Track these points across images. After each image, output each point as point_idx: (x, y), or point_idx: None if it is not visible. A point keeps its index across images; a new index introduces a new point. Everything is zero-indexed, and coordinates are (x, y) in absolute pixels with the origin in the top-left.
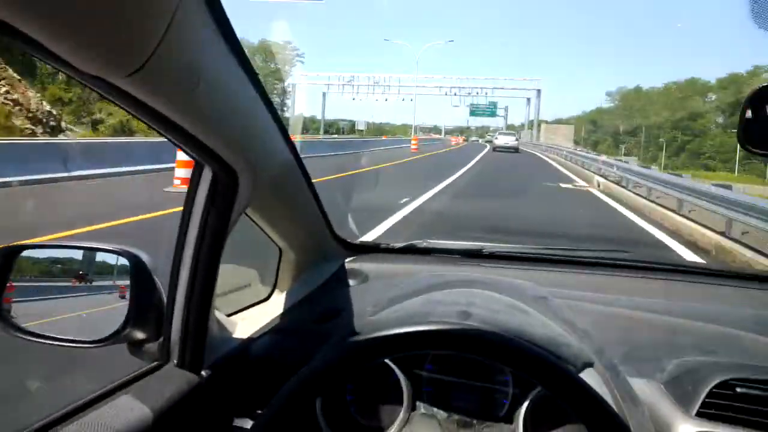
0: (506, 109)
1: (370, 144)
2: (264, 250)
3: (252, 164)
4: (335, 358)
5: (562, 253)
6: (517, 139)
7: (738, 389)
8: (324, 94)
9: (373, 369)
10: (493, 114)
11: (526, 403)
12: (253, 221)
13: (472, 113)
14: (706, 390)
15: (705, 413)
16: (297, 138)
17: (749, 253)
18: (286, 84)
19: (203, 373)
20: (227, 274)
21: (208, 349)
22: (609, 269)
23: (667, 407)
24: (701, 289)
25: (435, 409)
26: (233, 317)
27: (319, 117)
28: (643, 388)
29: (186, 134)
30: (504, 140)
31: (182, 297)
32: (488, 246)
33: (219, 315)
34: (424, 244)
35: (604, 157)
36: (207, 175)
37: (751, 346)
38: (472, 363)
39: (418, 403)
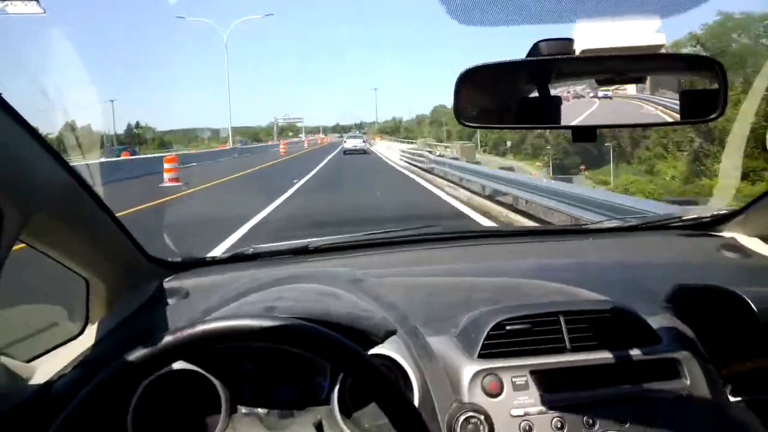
0: None
1: None
2: (70, 284)
3: (12, 192)
4: (107, 375)
5: (380, 237)
6: (364, 141)
7: (507, 327)
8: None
9: (190, 380)
10: None
11: (338, 382)
12: (47, 255)
13: None
14: (484, 334)
15: (485, 354)
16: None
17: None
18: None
19: None
20: (26, 316)
21: None
22: (419, 244)
23: (457, 356)
24: (495, 249)
25: (255, 408)
26: (33, 362)
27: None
28: (439, 343)
29: None
30: (352, 143)
31: None
32: (314, 241)
33: (10, 362)
34: (250, 250)
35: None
36: None
37: (529, 290)
38: (293, 356)
39: (239, 406)
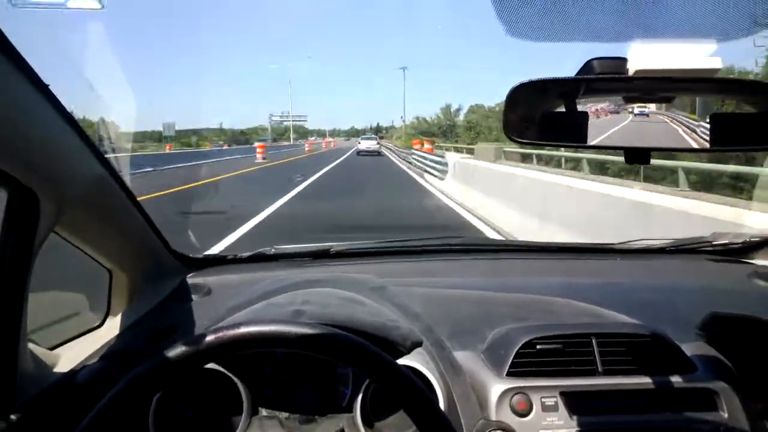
0: None
1: None
2: (93, 273)
3: (53, 184)
4: (141, 371)
5: (401, 245)
6: (378, 144)
7: (538, 346)
8: None
9: (212, 380)
10: None
11: (362, 391)
12: (73, 244)
13: None
14: (514, 351)
15: (513, 372)
16: None
17: None
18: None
19: (13, 417)
20: (49, 303)
21: (21, 388)
22: (441, 255)
23: (484, 372)
24: (519, 264)
25: (276, 411)
26: (57, 350)
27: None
28: (465, 358)
29: None
30: (366, 144)
31: None
32: (335, 245)
33: (35, 349)
34: (272, 251)
35: None
36: (1, 197)
37: (558, 309)
38: (314, 360)
39: (260, 408)
